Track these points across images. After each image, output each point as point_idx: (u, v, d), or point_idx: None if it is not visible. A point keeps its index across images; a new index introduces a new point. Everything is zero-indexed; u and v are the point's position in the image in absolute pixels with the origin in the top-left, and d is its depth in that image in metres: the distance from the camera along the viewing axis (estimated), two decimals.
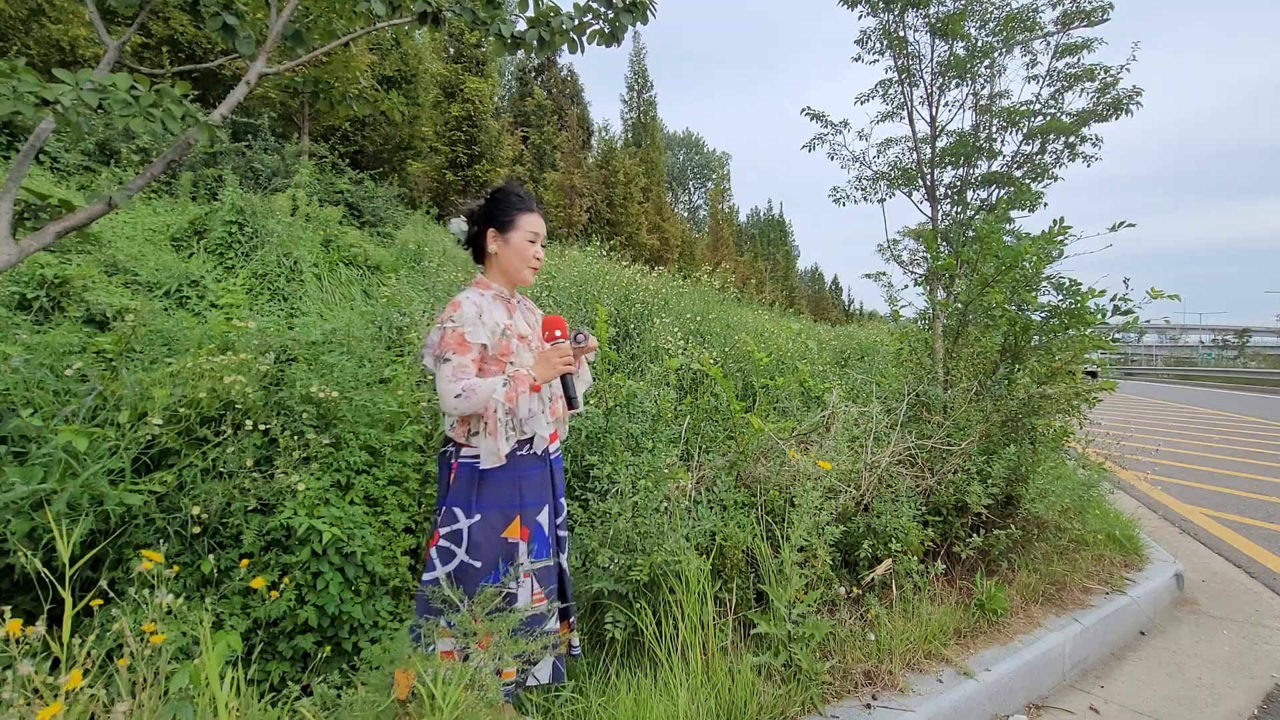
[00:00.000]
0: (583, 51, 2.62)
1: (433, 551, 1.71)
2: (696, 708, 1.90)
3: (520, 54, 2.74)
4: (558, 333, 1.76)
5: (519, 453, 1.76)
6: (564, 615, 1.92)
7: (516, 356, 1.76)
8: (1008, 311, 3.43)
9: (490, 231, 1.83)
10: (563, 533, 1.92)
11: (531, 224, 1.84)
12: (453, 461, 1.74)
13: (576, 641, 1.95)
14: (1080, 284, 3.20)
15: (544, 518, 1.79)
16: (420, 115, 17.27)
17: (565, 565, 1.92)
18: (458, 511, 1.71)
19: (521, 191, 1.89)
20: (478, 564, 1.70)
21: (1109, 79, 5.27)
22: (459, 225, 1.91)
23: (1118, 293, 3.16)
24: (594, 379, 3.52)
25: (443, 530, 1.71)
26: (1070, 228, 3.30)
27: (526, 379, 1.68)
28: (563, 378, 1.75)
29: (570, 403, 1.78)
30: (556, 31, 2.55)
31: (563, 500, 1.93)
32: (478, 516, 1.71)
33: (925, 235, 4.70)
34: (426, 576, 1.72)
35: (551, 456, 1.86)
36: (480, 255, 1.89)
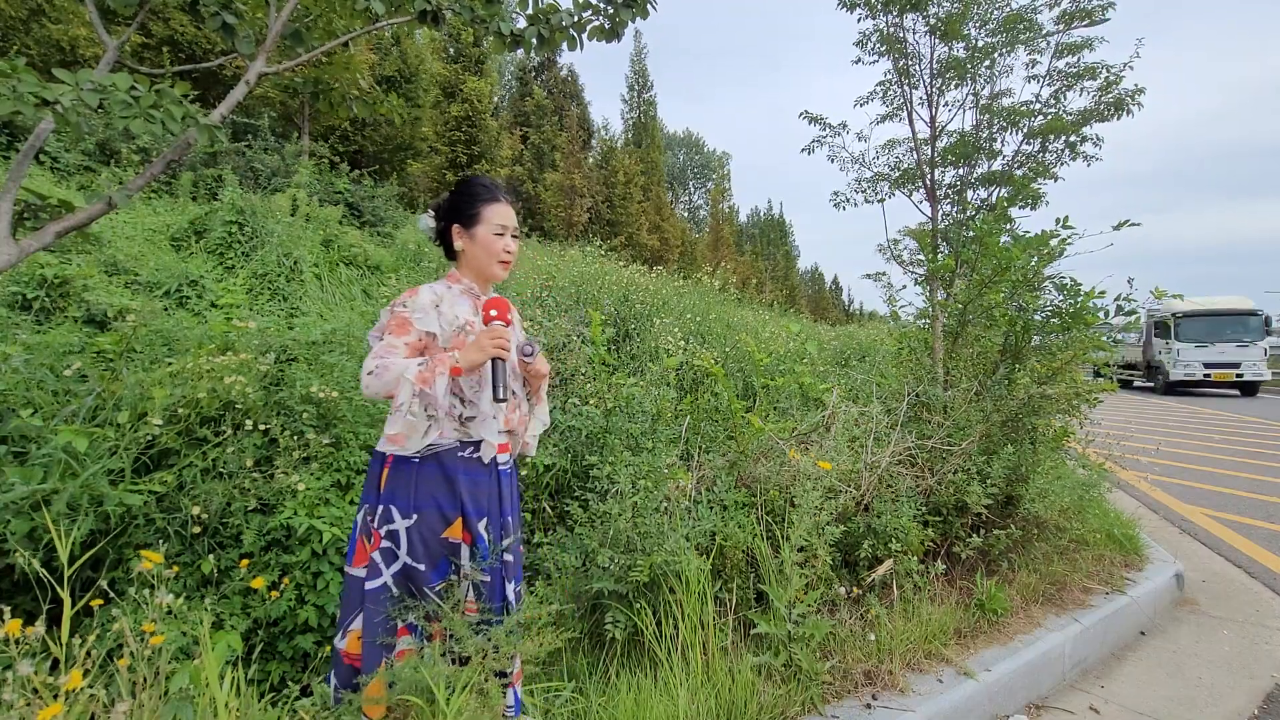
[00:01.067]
0: (582, 49, 2.62)
1: (375, 555, 1.59)
2: (696, 708, 1.90)
3: (520, 52, 2.73)
4: (493, 313, 1.62)
5: (460, 454, 1.63)
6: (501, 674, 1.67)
7: None
8: (1007, 312, 3.43)
9: (455, 227, 1.74)
10: (509, 557, 1.72)
11: (498, 215, 1.71)
12: (389, 454, 1.61)
13: (514, 699, 1.70)
14: (1081, 284, 3.20)
15: (484, 529, 1.65)
16: (420, 115, 17.28)
17: (514, 598, 1.71)
18: (394, 510, 1.59)
19: (487, 182, 1.76)
20: (421, 567, 1.59)
21: (1111, 77, 5.27)
22: (427, 222, 1.82)
23: (1121, 292, 3.16)
24: (594, 377, 3.52)
25: (382, 530, 1.59)
26: (1073, 227, 3.30)
27: (448, 361, 1.54)
28: (493, 364, 1.58)
29: (495, 391, 1.57)
30: (556, 29, 2.55)
31: (512, 519, 1.74)
32: (414, 517, 1.59)
33: (922, 236, 4.70)
34: (371, 584, 1.58)
35: (500, 468, 1.71)
36: (451, 252, 1.79)
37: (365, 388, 1.55)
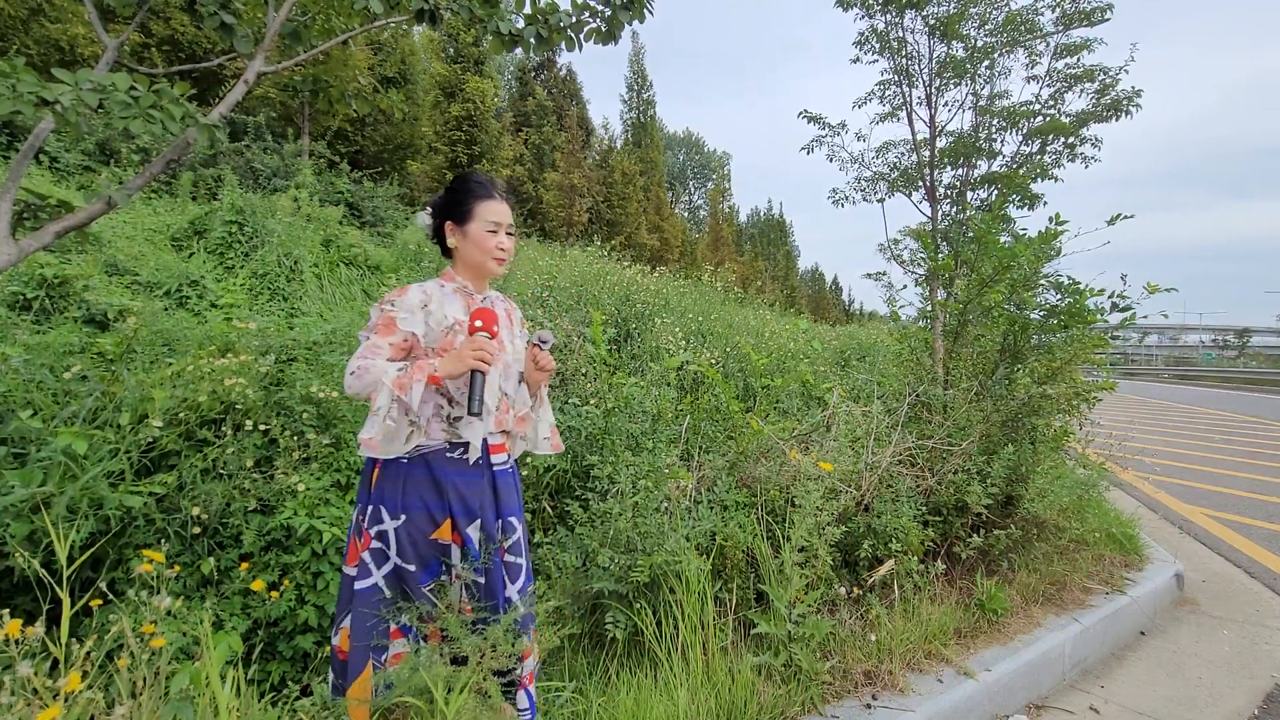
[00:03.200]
0: (580, 49, 2.62)
1: (366, 555, 1.58)
2: (696, 708, 1.89)
3: (519, 53, 2.74)
4: (479, 324, 1.58)
5: (449, 455, 1.61)
6: (508, 687, 1.65)
7: None
8: (1007, 311, 3.43)
9: (449, 224, 1.72)
10: (513, 558, 1.69)
11: (490, 212, 1.68)
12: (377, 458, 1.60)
13: (527, 701, 1.68)
14: (1079, 283, 3.20)
15: (474, 532, 1.63)
16: (420, 115, 17.27)
17: (517, 599, 1.68)
18: (382, 510, 1.59)
19: (481, 178, 1.74)
20: (412, 567, 1.58)
21: (1108, 80, 5.27)
22: (424, 219, 1.81)
23: (1115, 289, 3.15)
24: (594, 377, 3.52)
25: (372, 530, 1.59)
26: (1067, 222, 3.30)
27: (427, 368, 1.53)
28: (471, 376, 1.54)
29: (470, 405, 1.53)
30: (554, 29, 2.55)
31: (513, 519, 1.71)
32: (402, 518, 1.57)
33: (923, 235, 4.70)
34: (361, 585, 1.57)
35: (496, 469, 1.69)
36: (447, 249, 1.76)
37: (347, 387, 1.55)
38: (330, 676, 1.66)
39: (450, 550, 1.62)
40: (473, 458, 1.64)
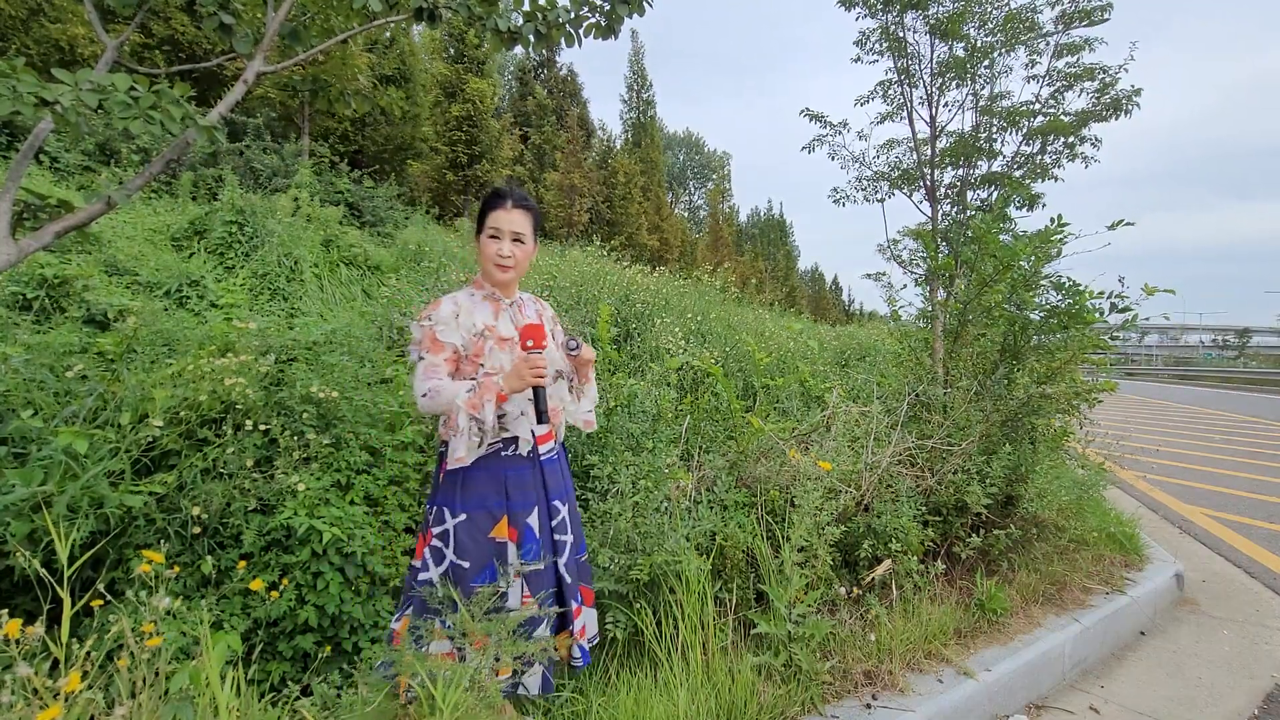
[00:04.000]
0: (580, 45, 2.62)
1: (426, 551, 1.72)
2: (696, 708, 1.90)
3: (519, 52, 2.74)
4: (530, 343, 1.70)
5: (503, 453, 1.75)
6: (563, 623, 1.84)
7: (488, 358, 1.73)
8: (1007, 311, 3.43)
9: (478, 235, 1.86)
10: (560, 536, 1.84)
11: (494, 220, 1.77)
12: (444, 461, 1.74)
13: (579, 652, 1.84)
14: (1079, 284, 3.20)
15: (534, 519, 1.76)
16: (420, 115, 17.27)
17: (564, 571, 1.83)
18: (445, 511, 1.72)
19: (501, 189, 1.83)
20: (466, 564, 1.69)
21: (1108, 79, 5.27)
22: None
23: (1113, 290, 3.15)
24: (595, 377, 3.52)
25: (434, 530, 1.72)
26: (1068, 224, 3.30)
27: (494, 388, 1.65)
28: (534, 390, 1.68)
29: (539, 417, 1.70)
30: (553, 25, 2.55)
31: (558, 503, 1.85)
32: (463, 516, 1.71)
33: (924, 235, 4.70)
34: (421, 576, 1.71)
35: (543, 458, 1.82)
36: None
37: (421, 408, 1.68)
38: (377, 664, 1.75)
39: (506, 550, 1.73)
40: (524, 450, 1.78)
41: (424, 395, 1.65)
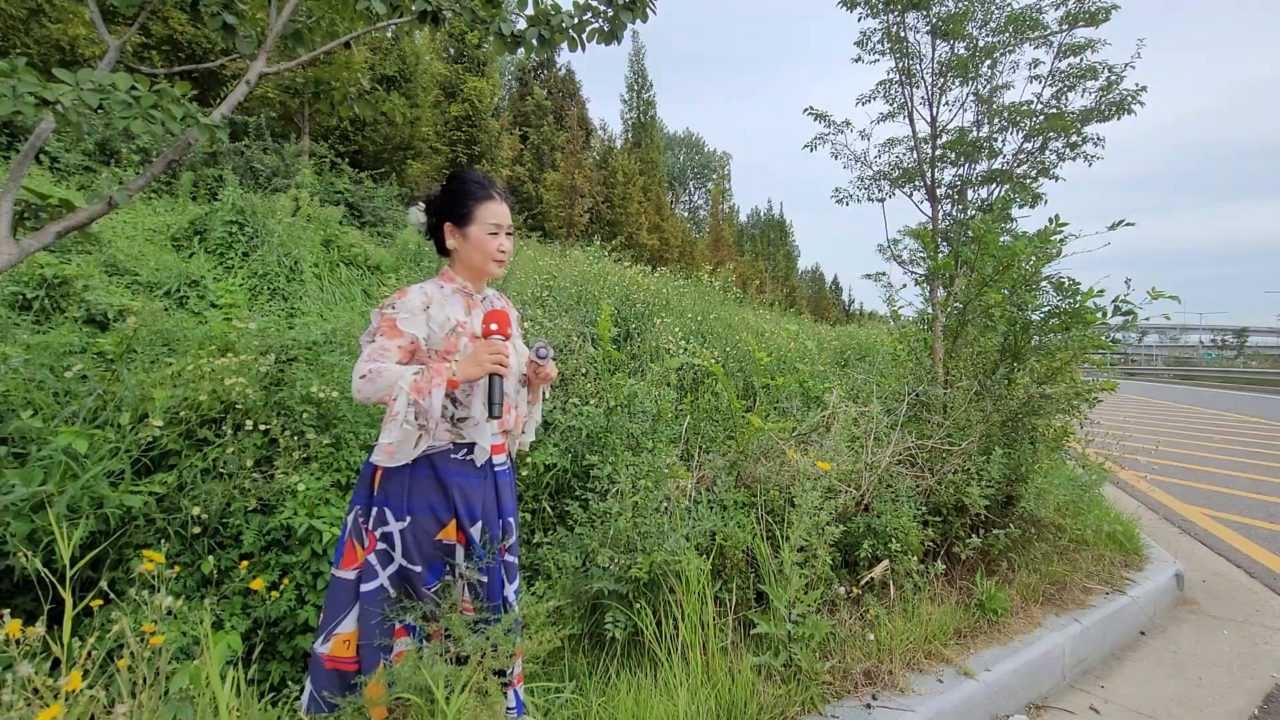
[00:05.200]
0: (583, 49, 2.62)
1: (371, 558, 1.57)
2: (696, 708, 1.90)
3: (520, 53, 2.74)
4: (494, 326, 1.59)
5: (453, 456, 1.61)
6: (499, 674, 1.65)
7: (461, 354, 1.61)
8: (1007, 311, 3.43)
9: (448, 225, 1.69)
10: (511, 558, 1.72)
11: (491, 214, 1.66)
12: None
13: (515, 700, 1.69)
14: (1079, 284, 3.20)
15: (478, 533, 1.64)
16: (420, 115, 17.27)
17: (514, 598, 1.70)
18: (388, 512, 1.58)
19: (479, 178, 1.71)
20: (418, 568, 1.58)
21: (1113, 77, 5.26)
22: (416, 215, 1.78)
23: (1119, 294, 3.16)
24: (595, 377, 3.52)
25: (377, 533, 1.58)
26: (1067, 224, 3.30)
27: (445, 372, 1.52)
28: (490, 379, 1.55)
29: (490, 409, 1.55)
30: (556, 30, 2.56)
31: (511, 520, 1.73)
32: (408, 519, 1.57)
33: (923, 234, 4.70)
34: (367, 587, 1.56)
35: (496, 469, 1.70)
36: (443, 248, 1.74)
37: (356, 392, 1.52)
38: (307, 687, 1.60)
39: (455, 550, 1.63)
40: (480, 459, 1.64)
41: (362, 376, 1.49)
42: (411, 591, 1.59)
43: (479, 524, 1.64)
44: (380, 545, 1.58)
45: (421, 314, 1.60)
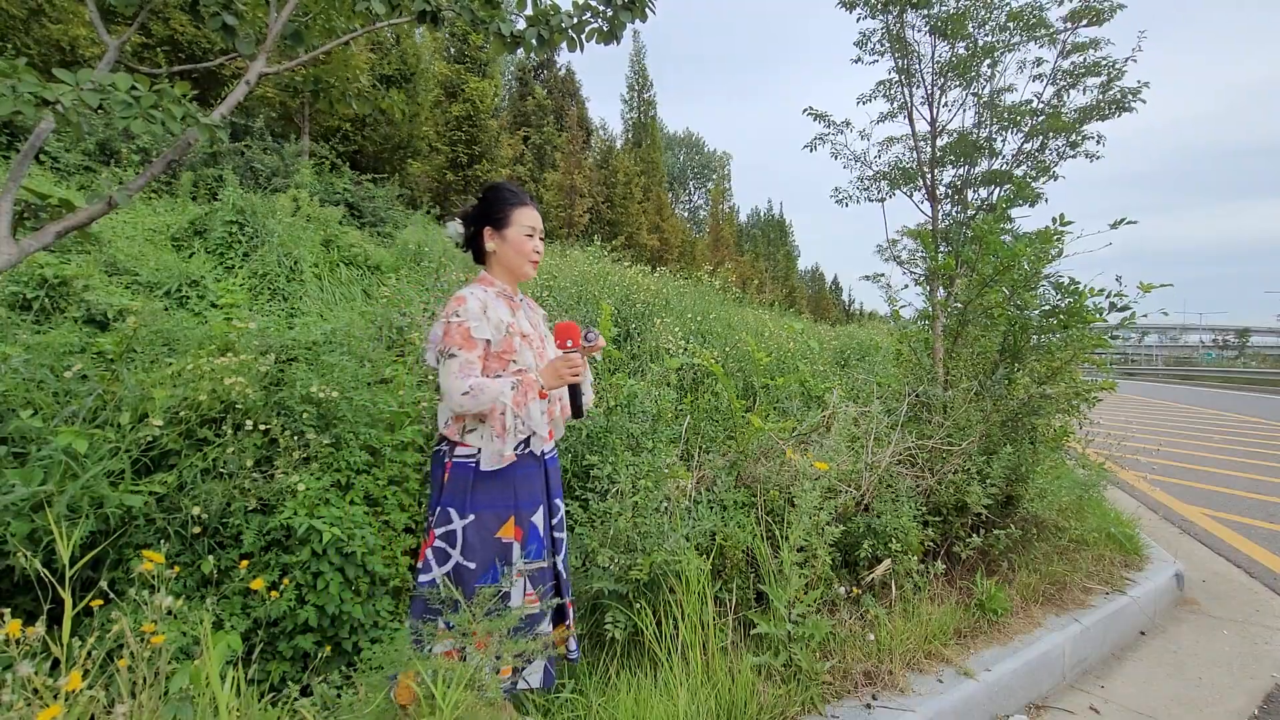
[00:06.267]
0: (582, 50, 2.62)
1: (428, 553, 1.71)
2: (696, 708, 1.90)
3: (520, 53, 2.74)
4: (569, 343, 1.73)
5: (516, 452, 1.75)
6: (560, 616, 1.88)
7: (519, 355, 1.75)
8: (1006, 311, 3.43)
9: (487, 230, 1.84)
10: (559, 534, 1.88)
11: (527, 218, 1.83)
12: (447, 460, 1.74)
13: (574, 646, 1.90)
14: (1079, 283, 3.20)
15: (539, 518, 1.78)
16: (420, 115, 17.27)
17: (562, 567, 1.88)
18: (452, 512, 1.71)
19: (514, 187, 1.88)
20: (472, 565, 1.70)
21: (1114, 73, 5.25)
22: (455, 229, 1.93)
23: (1113, 289, 3.16)
24: (595, 378, 3.52)
25: (438, 531, 1.71)
26: (1072, 222, 3.30)
27: (535, 385, 1.68)
28: (570, 387, 1.75)
29: (576, 412, 1.79)
30: (555, 30, 2.56)
31: (558, 501, 1.89)
32: (471, 517, 1.70)
33: (923, 234, 4.70)
34: (423, 578, 1.72)
35: (546, 457, 1.85)
36: (480, 255, 1.90)
37: (459, 407, 1.65)
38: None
39: (511, 550, 1.73)
40: (538, 449, 1.79)
41: (465, 393, 1.63)
42: (462, 590, 1.66)
43: (539, 509, 1.78)
44: (439, 543, 1.70)
45: (483, 318, 1.73)
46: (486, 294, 1.78)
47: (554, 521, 1.86)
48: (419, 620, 1.70)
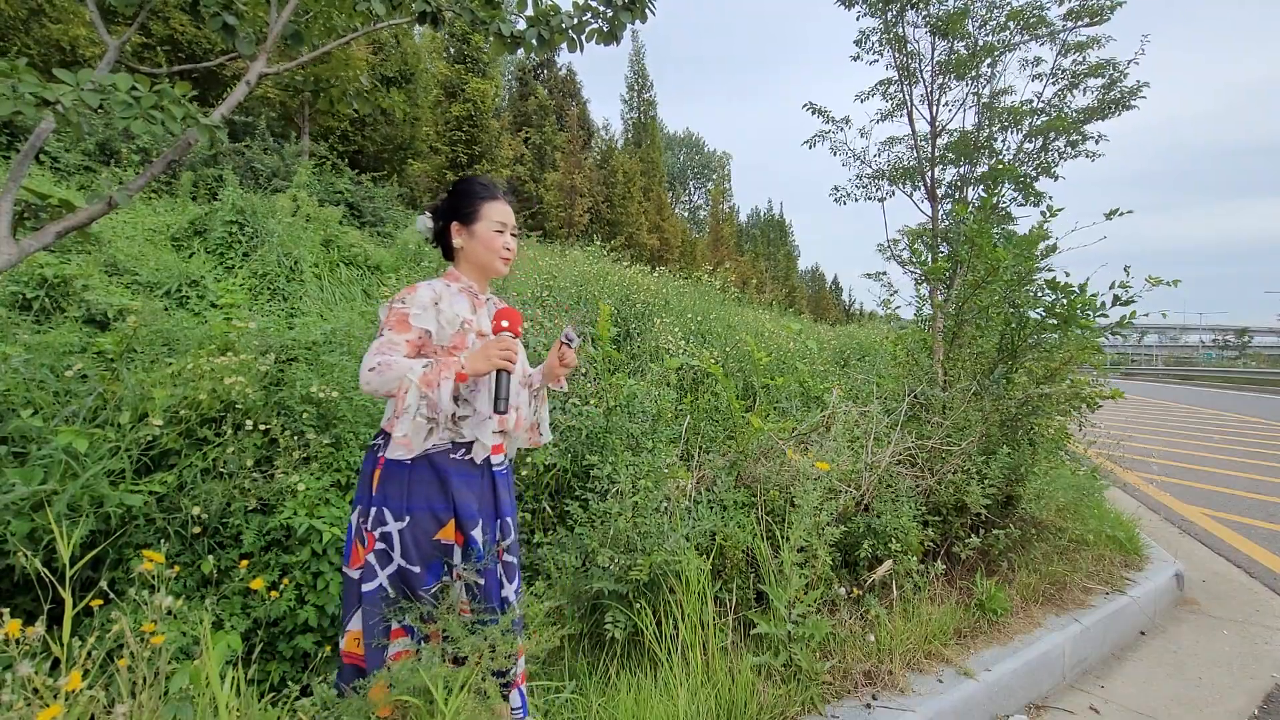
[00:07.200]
0: (582, 50, 2.62)
1: (370, 558, 1.58)
2: (696, 708, 1.90)
3: (520, 53, 2.74)
4: (505, 323, 1.61)
5: (452, 455, 1.62)
6: (499, 676, 1.62)
7: (469, 350, 1.63)
8: (1002, 311, 3.43)
9: (454, 225, 1.74)
10: (510, 558, 1.71)
11: (496, 213, 1.72)
12: (380, 455, 1.60)
13: (520, 699, 1.68)
14: (1072, 285, 3.19)
15: (478, 533, 1.64)
16: (420, 115, 17.27)
17: (515, 598, 1.70)
18: (387, 512, 1.58)
19: (485, 180, 1.77)
20: (415, 568, 1.58)
21: (1115, 74, 5.25)
22: (424, 223, 1.83)
23: (1118, 279, 3.14)
24: (595, 378, 3.52)
25: (376, 533, 1.58)
26: (1062, 209, 3.29)
27: (454, 365, 1.54)
28: (497, 375, 1.57)
29: (496, 404, 1.57)
30: (556, 30, 2.56)
31: (510, 519, 1.73)
32: (407, 519, 1.57)
33: (923, 235, 4.71)
34: (368, 587, 1.57)
35: (495, 469, 1.71)
36: (449, 251, 1.79)
37: (365, 384, 1.52)
38: (338, 682, 1.63)
39: (453, 550, 1.63)
40: (479, 456, 1.66)
41: (371, 369, 1.50)
42: (409, 592, 1.59)
43: (479, 524, 1.64)
44: (379, 545, 1.58)
45: (431, 309, 1.62)
46: (448, 289, 1.69)
47: (506, 544, 1.69)
48: (371, 629, 1.57)
